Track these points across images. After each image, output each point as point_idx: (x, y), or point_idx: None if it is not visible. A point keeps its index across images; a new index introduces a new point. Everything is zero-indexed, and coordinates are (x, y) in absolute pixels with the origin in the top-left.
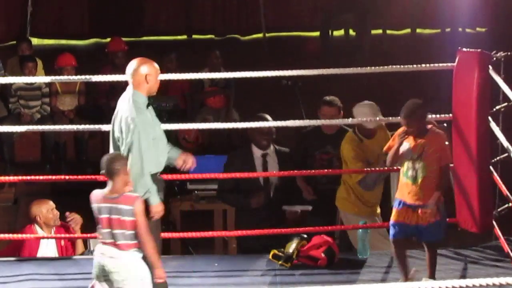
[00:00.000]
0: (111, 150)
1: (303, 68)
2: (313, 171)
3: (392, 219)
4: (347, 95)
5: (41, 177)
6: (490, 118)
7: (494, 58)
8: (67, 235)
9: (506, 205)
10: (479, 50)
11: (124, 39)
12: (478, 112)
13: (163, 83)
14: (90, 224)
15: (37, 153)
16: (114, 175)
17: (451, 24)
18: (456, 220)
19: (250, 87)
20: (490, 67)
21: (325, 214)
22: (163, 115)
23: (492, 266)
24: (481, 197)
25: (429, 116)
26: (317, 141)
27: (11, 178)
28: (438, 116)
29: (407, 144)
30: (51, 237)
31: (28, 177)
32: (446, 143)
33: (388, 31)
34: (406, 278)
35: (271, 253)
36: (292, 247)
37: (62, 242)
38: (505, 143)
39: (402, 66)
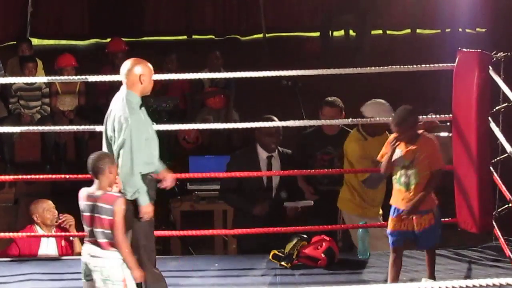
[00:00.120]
0: (104, 149)
1: (303, 68)
2: (314, 171)
3: (390, 228)
4: (347, 96)
5: (41, 177)
6: (490, 118)
7: (494, 59)
8: (65, 234)
9: (506, 206)
10: (479, 50)
11: (124, 39)
12: (478, 112)
13: (164, 83)
14: None
15: (37, 154)
16: (98, 174)
17: (451, 24)
18: (456, 220)
19: (250, 87)
20: (490, 67)
21: (326, 215)
22: (163, 115)
23: (492, 267)
24: (481, 198)
25: (430, 116)
26: (318, 141)
27: (11, 178)
28: (438, 116)
29: (399, 151)
30: (49, 236)
31: (28, 177)
32: (437, 148)
33: (388, 32)
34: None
35: (271, 253)
36: (292, 247)
37: (63, 242)
38: (505, 144)
39: (402, 67)
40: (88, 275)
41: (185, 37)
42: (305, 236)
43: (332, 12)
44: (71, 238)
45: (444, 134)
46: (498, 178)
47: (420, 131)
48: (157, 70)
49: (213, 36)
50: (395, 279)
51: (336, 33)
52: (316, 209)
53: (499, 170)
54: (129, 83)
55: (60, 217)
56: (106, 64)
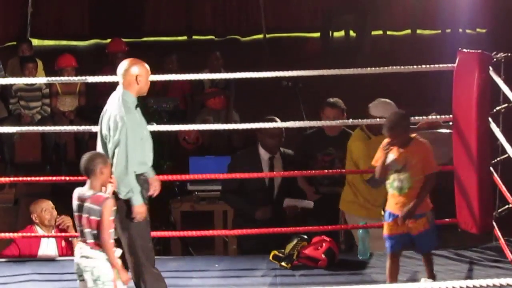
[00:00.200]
0: (98, 148)
1: (304, 69)
2: (315, 171)
3: (386, 232)
4: (347, 96)
5: (41, 178)
6: (490, 119)
7: (494, 59)
8: (65, 234)
9: (506, 206)
10: (479, 51)
11: (124, 40)
12: (478, 113)
13: (164, 84)
14: None
15: (37, 154)
16: (89, 174)
17: (452, 25)
18: (456, 221)
19: (251, 88)
20: (490, 68)
21: (327, 216)
22: (164, 116)
23: (492, 267)
24: (481, 198)
25: (431, 117)
26: (320, 142)
27: (12, 179)
28: (438, 116)
29: (391, 156)
30: (48, 236)
31: (29, 178)
32: (430, 151)
33: (389, 32)
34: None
35: (271, 254)
36: (292, 248)
37: (63, 243)
38: (505, 144)
39: (402, 67)
40: (81, 275)
41: (185, 37)
42: (305, 236)
43: (333, 12)
44: (70, 238)
45: (445, 130)
46: (498, 179)
47: (413, 135)
48: (157, 71)
49: (213, 37)
50: (394, 282)
51: (336, 34)
52: (317, 210)
53: (499, 170)
54: (125, 83)
55: (57, 219)
56: (106, 64)
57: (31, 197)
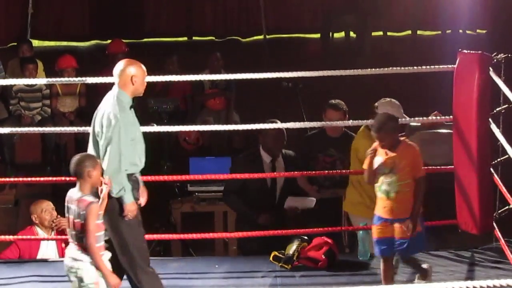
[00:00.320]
0: (90, 146)
1: (304, 69)
2: (316, 172)
3: (375, 236)
4: (347, 97)
5: (41, 179)
6: (490, 119)
7: (495, 60)
8: (65, 237)
9: (507, 207)
10: (479, 52)
11: (124, 40)
12: (478, 113)
13: (164, 85)
14: None
15: (37, 155)
16: (78, 177)
17: (452, 25)
18: (456, 221)
19: (251, 89)
20: (491, 68)
21: (329, 218)
22: (164, 117)
23: (492, 268)
24: (481, 199)
25: (431, 117)
26: (321, 143)
27: (12, 179)
28: (438, 117)
29: (379, 159)
30: (47, 239)
31: (29, 179)
32: (419, 155)
33: (389, 33)
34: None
35: (272, 254)
36: (292, 248)
37: (63, 244)
38: (506, 145)
39: (402, 68)
40: (69, 277)
41: (185, 38)
42: (306, 237)
43: (333, 13)
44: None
45: (445, 130)
46: (499, 180)
47: (402, 138)
48: (157, 72)
49: (213, 38)
50: (389, 284)
51: (336, 35)
52: (318, 212)
53: (500, 171)
54: (121, 83)
55: (54, 221)
56: (106, 65)
57: (31, 198)
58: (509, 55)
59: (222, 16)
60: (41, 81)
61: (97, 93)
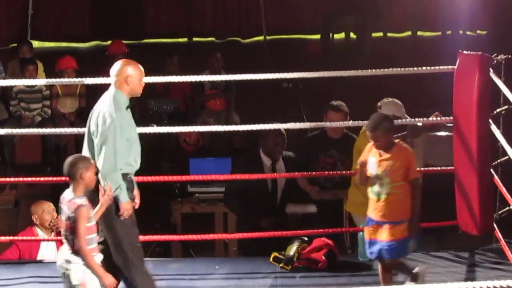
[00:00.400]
0: (85, 145)
1: (304, 70)
2: (317, 173)
3: (366, 237)
4: (347, 98)
5: (41, 180)
6: (490, 120)
7: (495, 61)
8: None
9: (507, 208)
10: (479, 52)
11: (124, 41)
12: (478, 114)
13: (165, 86)
14: None
15: (38, 156)
16: (72, 178)
17: (452, 26)
18: (456, 222)
19: (251, 89)
20: (491, 69)
21: (329, 219)
22: (164, 118)
23: (492, 269)
24: (481, 200)
25: (431, 118)
26: (322, 145)
27: (12, 180)
28: (439, 118)
29: (373, 160)
30: (48, 240)
31: (29, 179)
32: (413, 157)
33: (389, 34)
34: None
35: (272, 255)
36: (292, 249)
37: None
38: (506, 146)
39: (403, 69)
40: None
41: (185, 39)
42: (306, 238)
43: (333, 14)
44: None
45: (443, 133)
46: (499, 180)
47: (396, 140)
48: (158, 72)
49: (213, 39)
50: (387, 285)
51: (336, 36)
52: (320, 213)
53: (500, 172)
54: (117, 83)
55: (52, 221)
56: (106, 66)
57: (32, 199)
58: (509, 56)
59: (222, 17)
60: (41, 81)
61: (97, 94)
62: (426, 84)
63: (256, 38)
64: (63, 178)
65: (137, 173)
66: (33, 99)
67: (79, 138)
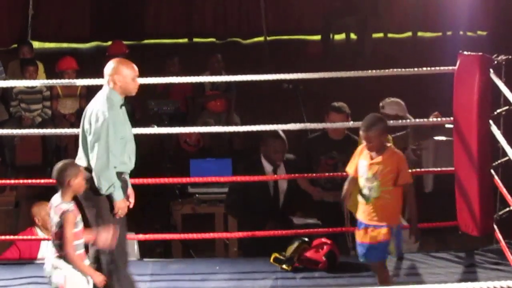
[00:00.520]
0: (79, 143)
1: (304, 71)
2: (318, 174)
3: (357, 240)
4: (348, 99)
5: (42, 181)
6: (491, 121)
7: (495, 62)
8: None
9: (507, 209)
10: (480, 53)
11: (125, 42)
12: (479, 115)
13: (165, 86)
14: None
15: (38, 157)
16: (60, 185)
17: (452, 27)
18: (457, 223)
19: (251, 90)
20: (491, 70)
21: (331, 220)
22: (164, 118)
23: (493, 270)
24: (482, 201)
25: (431, 119)
26: (323, 146)
27: (13, 181)
28: (439, 119)
29: (364, 162)
30: (47, 239)
31: (29, 181)
32: (405, 162)
33: (389, 35)
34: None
35: (272, 256)
36: (293, 250)
37: None
38: (506, 147)
39: (403, 70)
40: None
41: (186, 40)
42: (306, 239)
43: (333, 15)
44: None
45: (441, 138)
46: (499, 181)
47: (388, 145)
48: (158, 73)
49: (214, 39)
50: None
51: (337, 36)
52: (320, 213)
53: (500, 173)
54: (110, 82)
55: None
56: None
57: (32, 200)
58: (510, 57)
59: (222, 17)
60: (41, 82)
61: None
62: (427, 85)
63: (256, 39)
64: None
65: (137, 174)
66: (33, 100)
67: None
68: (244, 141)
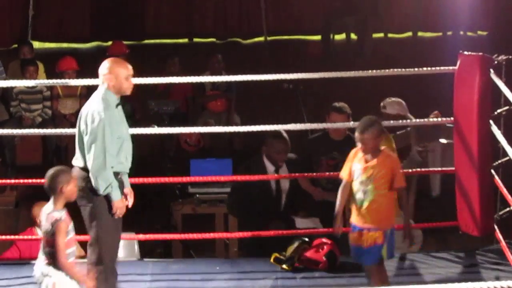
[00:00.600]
0: (76, 145)
1: (305, 71)
2: (318, 174)
3: (351, 243)
4: (348, 99)
5: (42, 181)
6: (491, 121)
7: (496, 62)
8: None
9: (507, 209)
10: (480, 53)
11: (125, 42)
12: (479, 115)
13: (166, 87)
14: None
15: (38, 157)
16: (53, 192)
17: (453, 27)
18: (457, 223)
19: (252, 90)
20: (492, 70)
21: (331, 220)
22: (165, 119)
23: (493, 270)
24: (482, 201)
25: (432, 119)
26: (324, 146)
27: (13, 181)
28: (440, 119)
29: (358, 166)
30: None
31: (30, 181)
32: (399, 165)
33: (390, 35)
34: None
35: (273, 256)
36: (293, 250)
37: None
38: (507, 147)
39: (403, 70)
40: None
41: (186, 40)
42: (307, 239)
43: (333, 15)
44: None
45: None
46: (500, 181)
47: (382, 148)
48: (159, 73)
49: (214, 39)
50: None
51: (337, 36)
52: (321, 214)
53: (500, 173)
54: (104, 82)
55: None
56: None
57: (32, 200)
58: (510, 57)
59: (223, 17)
60: (41, 82)
61: None
62: (427, 85)
63: (256, 39)
64: None
65: (138, 174)
66: (33, 100)
67: None
68: (244, 141)
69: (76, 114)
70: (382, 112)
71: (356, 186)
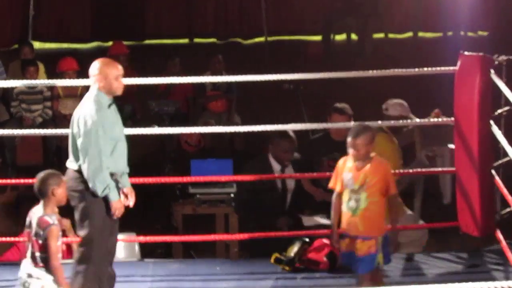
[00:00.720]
0: (70, 148)
1: (305, 72)
2: (319, 174)
3: (342, 248)
4: (348, 99)
5: None
6: (492, 121)
7: (496, 62)
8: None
9: (508, 209)
10: (481, 54)
11: (126, 42)
12: (480, 115)
13: (166, 87)
14: None
15: (39, 157)
16: (43, 195)
17: (453, 27)
18: (457, 223)
19: (252, 91)
20: (492, 70)
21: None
22: (165, 119)
23: (493, 270)
24: (482, 201)
25: (432, 119)
26: (326, 147)
27: (13, 181)
28: (440, 119)
29: (349, 174)
30: None
31: (30, 181)
32: (390, 172)
33: (390, 35)
34: None
35: (273, 256)
36: (294, 251)
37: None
38: (507, 147)
39: (404, 70)
40: None
41: (187, 40)
42: (307, 239)
43: (334, 15)
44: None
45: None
46: (500, 182)
47: (372, 154)
48: (159, 74)
49: (215, 40)
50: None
51: (338, 37)
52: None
53: (501, 173)
54: (95, 83)
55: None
56: None
57: (32, 200)
58: (511, 57)
59: (223, 18)
60: (42, 83)
61: None
62: (427, 85)
63: (257, 39)
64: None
65: (138, 174)
66: (34, 100)
67: None
68: (245, 141)
69: None
70: (385, 114)
71: (347, 194)
